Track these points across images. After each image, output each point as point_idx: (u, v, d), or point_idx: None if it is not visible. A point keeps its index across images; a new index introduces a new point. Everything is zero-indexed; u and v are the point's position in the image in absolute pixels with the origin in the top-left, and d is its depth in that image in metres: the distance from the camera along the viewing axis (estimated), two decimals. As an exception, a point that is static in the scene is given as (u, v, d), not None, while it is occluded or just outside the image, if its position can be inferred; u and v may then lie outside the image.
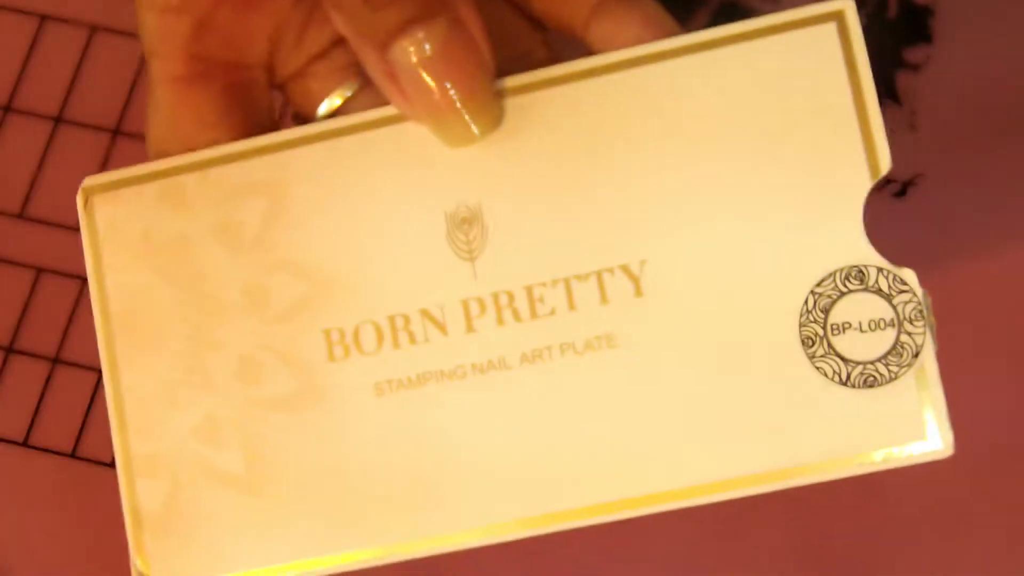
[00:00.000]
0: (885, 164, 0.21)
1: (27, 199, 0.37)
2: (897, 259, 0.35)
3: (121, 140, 0.37)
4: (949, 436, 0.21)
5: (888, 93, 0.37)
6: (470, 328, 0.22)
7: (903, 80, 0.37)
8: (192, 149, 0.23)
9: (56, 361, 0.36)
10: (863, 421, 0.21)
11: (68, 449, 0.36)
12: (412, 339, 0.22)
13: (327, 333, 0.22)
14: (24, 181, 0.37)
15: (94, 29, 0.38)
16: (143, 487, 0.22)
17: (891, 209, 0.36)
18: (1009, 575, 0.34)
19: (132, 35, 0.37)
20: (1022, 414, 0.35)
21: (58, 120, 0.38)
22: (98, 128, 0.37)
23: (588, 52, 0.22)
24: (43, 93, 0.38)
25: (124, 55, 0.38)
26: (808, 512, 0.34)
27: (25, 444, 0.36)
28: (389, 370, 0.22)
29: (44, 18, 0.38)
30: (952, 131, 0.36)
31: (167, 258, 0.23)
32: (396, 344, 0.22)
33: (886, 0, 0.37)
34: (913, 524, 0.34)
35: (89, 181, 0.23)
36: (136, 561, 0.22)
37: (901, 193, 0.36)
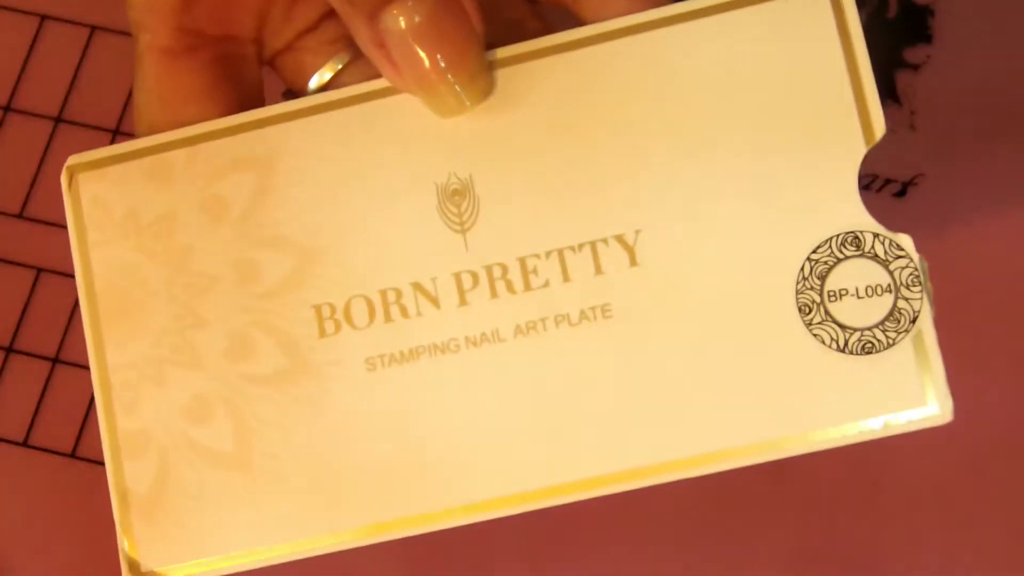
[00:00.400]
0: (879, 130, 0.21)
1: (27, 199, 0.37)
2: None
3: (121, 140, 0.37)
4: (948, 402, 0.20)
5: (888, 93, 0.37)
6: (463, 301, 0.21)
7: (903, 80, 0.37)
8: (180, 123, 0.23)
9: (56, 361, 0.36)
10: (861, 388, 0.20)
11: (68, 449, 0.36)
12: (404, 313, 0.22)
13: (318, 309, 0.22)
14: (24, 181, 0.37)
15: (94, 29, 0.38)
16: (130, 468, 0.22)
17: (891, 209, 0.36)
18: (1010, 571, 0.34)
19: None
20: (1022, 413, 0.35)
21: (58, 120, 0.38)
22: (98, 128, 0.38)
23: (578, 23, 0.22)
24: (43, 93, 0.38)
25: (124, 55, 0.38)
26: (808, 511, 0.34)
27: (25, 444, 0.36)
28: (381, 345, 0.22)
29: (44, 18, 0.38)
30: (952, 131, 0.36)
31: (154, 235, 0.22)
32: (388, 318, 0.22)
33: (886, 0, 0.37)
34: (914, 522, 0.34)
35: (74, 159, 0.23)
36: (123, 543, 0.22)
37: (901, 193, 0.36)
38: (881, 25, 0.37)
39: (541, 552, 0.34)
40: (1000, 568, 0.34)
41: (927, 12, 0.37)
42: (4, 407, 0.36)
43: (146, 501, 0.22)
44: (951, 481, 0.34)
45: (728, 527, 0.34)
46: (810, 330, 0.21)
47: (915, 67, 0.37)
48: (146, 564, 0.22)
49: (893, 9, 0.37)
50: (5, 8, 0.38)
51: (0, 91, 0.38)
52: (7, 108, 0.38)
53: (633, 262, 0.21)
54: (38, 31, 0.38)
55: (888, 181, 0.36)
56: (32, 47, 0.38)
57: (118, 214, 0.22)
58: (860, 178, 0.21)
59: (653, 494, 0.35)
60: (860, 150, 0.21)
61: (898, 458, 0.35)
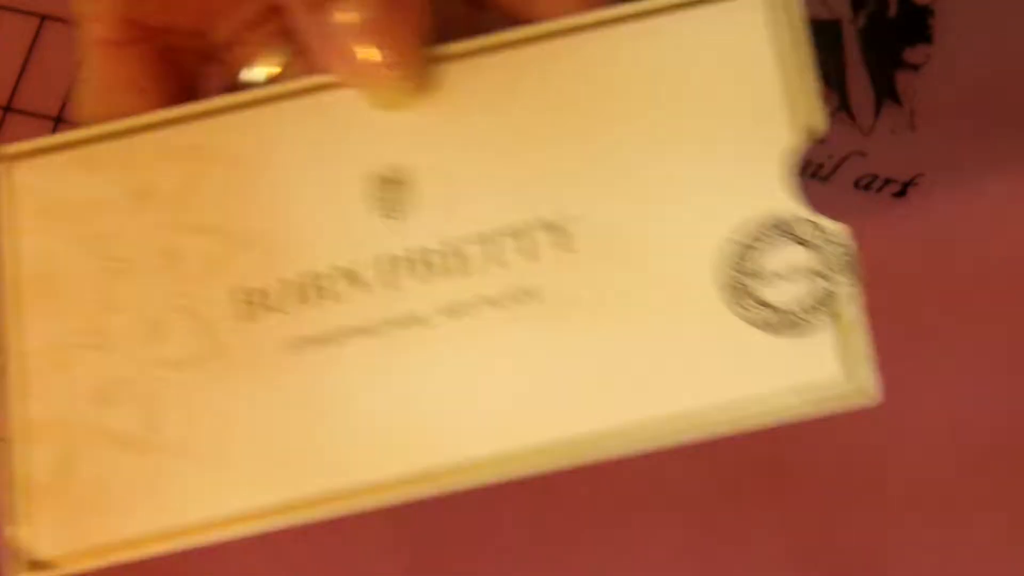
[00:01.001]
0: (809, 116, 0.21)
1: (27, 199, 0.37)
2: (897, 258, 0.35)
3: (121, 140, 0.37)
4: (872, 381, 0.20)
5: (888, 93, 0.37)
6: (390, 284, 0.22)
7: (903, 80, 0.37)
8: (120, 114, 0.23)
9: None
10: (785, 368, 0.21)
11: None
12: (329, 296, 0.22)
13: (239, 292, 0.22)
14: (24, 181, 0.37)
15: (94, 29, 0.38)
16: (32, 453, 0.22)
17: (891, 209, 0.36)
18: (1010, 571, 0.34)
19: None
20: (1022, 413, 0.35)
21: (58, 120, 0.38)
22: (98, 128, 0.38)
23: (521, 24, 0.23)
24: (43, 93, 0.38)
25: (124, 55, 0.38)
26: (808, 511, 0.34)
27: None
28: (303, 327, 0.22)
29: (44, 18, 0.38)
30: (952, 131, 0.36)
31: (82, 222, 0.22)
32: (312, 302, 0.22)
33: (886, 0, 0.37)
34: (914, 522, 0.34)
35: (9, 148, 0.23)
36: (18, 532, 0.21)
37: (901, 193, 0.36)
38: (881, 25, 0.37)
39: (537, 551, 0.34)
40: (1000, 568, 0.34)
41: (927, 12, 0.37)
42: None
43: (49, 488, 0.21)
44: (951, 481, 0.34)
45: (727, 527, 0.34)
46: (735, 311, 0.21)
47: (915, 67, 0.37)
48: (46, 552, 0.21)
49: (893, 9, 0.37)
50: (5, 8, 0.38)
51: (0, 91, 0.38)
52: (7, 108, 0.38)
53: (564, 248, 0.21)
54: (38, 31, 0.38)
55: (888, 181, 0.36)
56: (32, 47, 0.38)
57: (47, 201, 0.23)
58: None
59: (651, 493, 0.35)
60: (786, 136, 0.21)
61: (898, 458, 0.35)
